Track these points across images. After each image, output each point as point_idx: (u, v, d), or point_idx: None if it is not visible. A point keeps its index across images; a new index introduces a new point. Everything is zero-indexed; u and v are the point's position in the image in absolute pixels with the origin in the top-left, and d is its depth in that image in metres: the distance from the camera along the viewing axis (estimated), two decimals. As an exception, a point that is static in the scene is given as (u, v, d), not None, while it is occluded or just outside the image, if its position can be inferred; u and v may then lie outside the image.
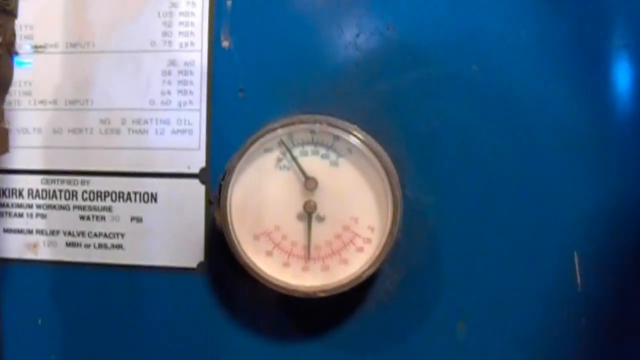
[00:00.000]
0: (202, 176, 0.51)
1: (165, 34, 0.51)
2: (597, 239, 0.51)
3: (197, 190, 0.51)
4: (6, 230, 0.53)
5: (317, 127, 0.48)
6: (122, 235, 0.52)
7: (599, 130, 0.51)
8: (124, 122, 0.51)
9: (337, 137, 0.48)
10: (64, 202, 0.52)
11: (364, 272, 0.47)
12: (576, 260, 0.50)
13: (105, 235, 0.52)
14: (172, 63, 0.51)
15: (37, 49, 0.53)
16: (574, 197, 0.50)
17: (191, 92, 0.51)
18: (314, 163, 0.48)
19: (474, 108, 0.50)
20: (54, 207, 0.53)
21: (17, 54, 0.50)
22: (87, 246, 0.52)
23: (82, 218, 0.52)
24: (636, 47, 0.51)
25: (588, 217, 0.51)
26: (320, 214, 0.48)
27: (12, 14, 0.44)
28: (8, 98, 0.48)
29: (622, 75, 0.51)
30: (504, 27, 0.51)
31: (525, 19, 0.51)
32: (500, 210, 0.50)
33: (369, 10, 0.51)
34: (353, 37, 0.50)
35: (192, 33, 0.51)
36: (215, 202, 0.49)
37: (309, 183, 0.48)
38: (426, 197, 0.50)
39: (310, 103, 0.50)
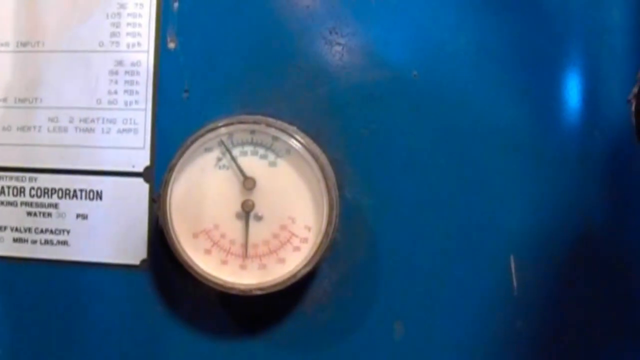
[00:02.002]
0: (146, 175, 0.52)
1: (113, 35, 0.52)
2: (534, 243, 0.51)
3: (141, 189, 0.52)
4: (-46, 226, 0.54)
5: (256, 127, 0.48)
6: (68, 232, 0.52)
7: (537, 136, 0.52)
8: (71, 121, 0.52)
9: (275, 138, 0.49)
10: (11, 198, 0.53)
11: (300, 271, 0.48)
12: (512, 264, 0.51)
13: (51, 232, 0.53)
14: (119, 63, 0.52)
15: (-12, 47, 0.53)
16: (511, 201, 0.51)
17: (137, 92, 0.52)
18: (252, 163, 0.49)
19: (414, 112, 0.51)
20: (2, 202, 0.53)
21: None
22: (34, 242, 0.53)
23: (29, 214, 0.53)
24: (576, 54, 0.52)
25: (525, 221, 0.51)
26: (258, 213, 0.49)
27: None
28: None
29: (561, 82, 0.52)
30: (444, 33, 0.52)
31: (465, 26, 0.52)
32: (438, 213, 0.51)
33: (312, 15, 0.51)
34: (296, 41, 0.51)
35: (139, 34, 0.52)
36: (157, 202, 0.50)
37: (247, 182, 0.48)
38: (365, 199, 0.51)
39: (253, 104, 0.51)
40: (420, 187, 0.51)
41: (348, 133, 0.51)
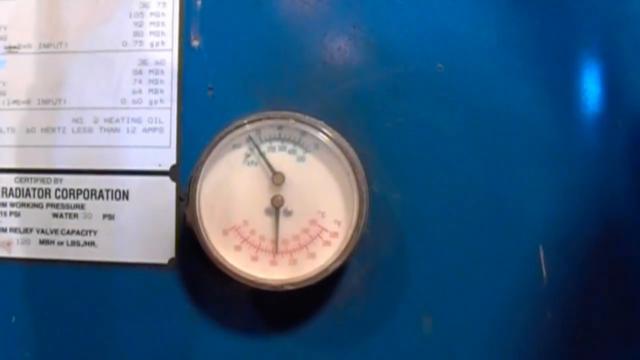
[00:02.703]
0: (172, 173, 0.51)
1: (136, 34, 0.52)
2: (562, 233, 0.51)
3: (167, 187, 0.51)
4: (-20, 229, 0.54)
5: (284, 122, 0.48)
6: (94, 232, 0.52)
7: (561, 126, 0.52)
8: (95, 121, 0.52)
9: (304, 133, 0.49)
10: (37, 200, 0.53)
11: (331, 265, 0.48)
12: (541, 254, 0.51)
13: (78, 233, 0.53)
14: (143, 62, 0.52)
15: (11, 49, 0.53)
16: (539, 191, 0.51)
17: (162, 91, 0.52)
18: (281, 158, 0.49)
19: (439, 106, 0.51)
20: (27, 205, 0.53)
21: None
22: (60, 243, 0.53)
23: (55, 215, 0.53)
24: (598, 44, 0.52)
25: (553, 211, 0.51)
26: (288, 208, 0.49)
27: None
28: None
29: (584, 72, 0.52)
30: (467, 26, 0.52)
31: (488, 19, 0.52)
32: (466, 205, 0.51)
33: (335, 11, 0.51)
34: (320, 37, 0.51)
35: (162, 32, 0.52)
36: (185, 199, 0.50)
37: (276, 178, 0.48)
38: (393, 193, 0.51)
39: (277, 101, 0.51)
40: (448, 179, 0.51)
41: (374, 127, 0.51)
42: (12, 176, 0.53)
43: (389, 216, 0.51)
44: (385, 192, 0.51)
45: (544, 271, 0.51)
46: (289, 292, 0.49)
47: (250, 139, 0.49)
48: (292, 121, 0.48)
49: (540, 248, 0.51)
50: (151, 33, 0.52)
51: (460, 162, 0.51)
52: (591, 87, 0.52)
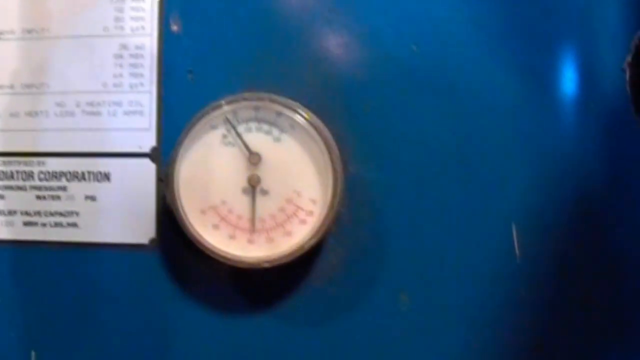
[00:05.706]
0: (152, 155, 0.53)
1: (116, 19, 0.53)
2: (535, 211, 0.52)
3: (148, 169, 0.53)
4: (-35, 211, 0.55)
5: (260, 103, 0.49)
6: (77, 214, 0.53)
7: (536, 104, 0.52)
8: (78, 105, 0.53)
9: (279, 114, 0.50)
10: (20, 183, 0.54)
11: (306, 243, 0.49)
12: (514, 232, 0.52)
13: (61, 214, 0.54)
14: (124, 47, 0.53)
15: (-6, 35, 0.54)
16: (513, 171, 0.52)
17: (142, 75, 0.53)
18: (257, 138, 0.50)
19: (414, 87, 0.52)
20: (11, 187, 0.54)
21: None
22: (43, 225, 0.54)
23: (38, 197, 0.54)
24: (569, 26, 0.53)
25: (525, 190, 0.52)
26: (264, 187, 0.50)
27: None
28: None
29: (556, 55, 0.53)
30: (441, 8, 0.52)
31: (464, 3, 0.52)
32: (440, 185, 0.52)
33: (311, -6, 0.52)
34: (297, 21, 0.52)
35: (142, 18, 0.53)
36: (165, 180, 0.51)
37: (253, 157, 0.50)
38: (368, 173, 0.52)
39: (256, 83, 0.52)
40: (423, 159, 0.52)
41: (350, 108, 0.52)
42: (-3, 159, 0.54)
43: (365, 196, 0.52)
44: (361, 173, 0.52)
45: (517, 249, 0.51)
46: (267, 271, 0.50)
47: (227, 120, 0.50)
48: (267, 102, 0.49)
49: (513, 226, 0.51)
50: (131, 18, 0.53)
51: (435, 142, 0.52)
52: (563, 69, 0.53)
